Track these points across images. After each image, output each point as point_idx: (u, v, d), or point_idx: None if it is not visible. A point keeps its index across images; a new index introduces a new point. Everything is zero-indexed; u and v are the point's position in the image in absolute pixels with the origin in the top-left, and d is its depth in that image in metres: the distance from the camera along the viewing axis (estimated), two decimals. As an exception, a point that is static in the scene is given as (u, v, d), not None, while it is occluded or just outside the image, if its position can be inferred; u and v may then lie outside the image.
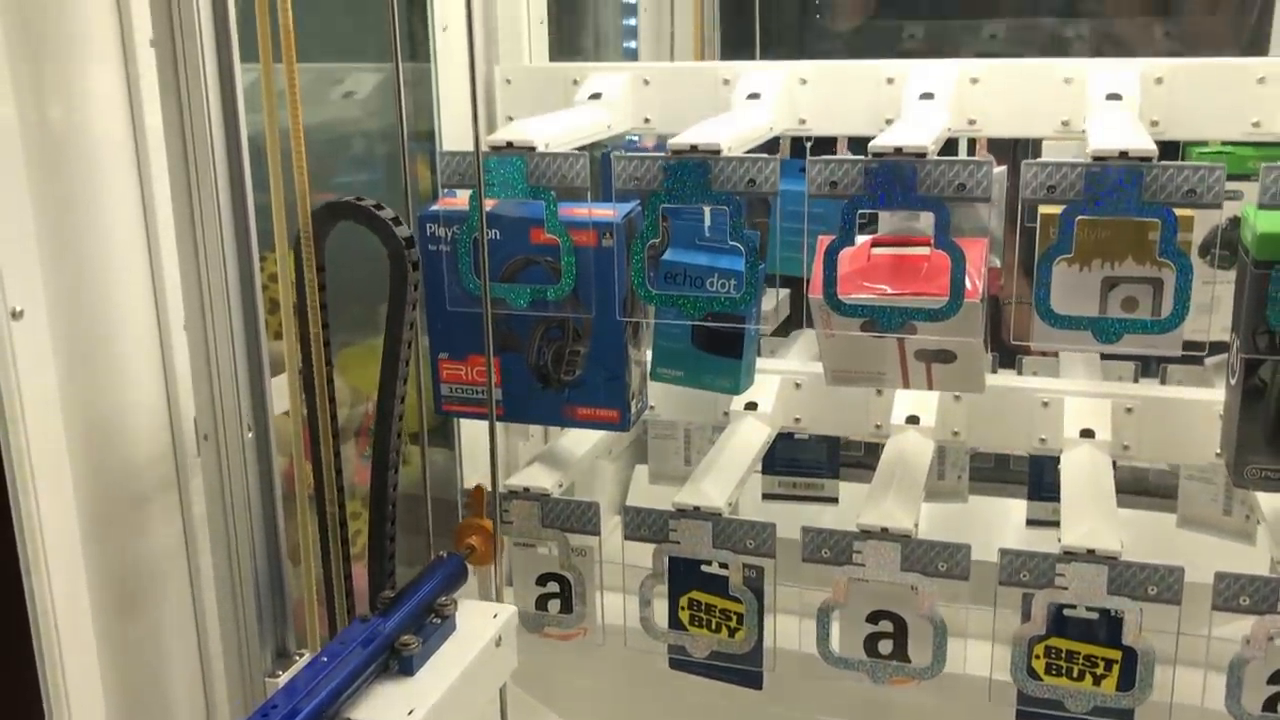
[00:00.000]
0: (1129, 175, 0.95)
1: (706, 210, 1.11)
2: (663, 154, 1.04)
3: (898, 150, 0.99)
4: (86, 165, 0.91)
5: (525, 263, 1.12)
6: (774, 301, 1.34)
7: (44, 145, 0.87)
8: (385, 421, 1.01)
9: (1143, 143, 0.95)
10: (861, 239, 1.07)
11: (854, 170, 1.00)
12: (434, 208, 1.14)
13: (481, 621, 0.99)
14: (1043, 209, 1.02)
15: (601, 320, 1.12)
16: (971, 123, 1.23)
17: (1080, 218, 0.97)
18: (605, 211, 1.10)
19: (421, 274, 1.01)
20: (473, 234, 1.10)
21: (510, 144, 1.08)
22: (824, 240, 1.04)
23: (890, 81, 1.24)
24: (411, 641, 0.91)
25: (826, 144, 1.45)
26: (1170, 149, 1.23)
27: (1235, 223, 1.17)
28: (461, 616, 0.99)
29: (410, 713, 0.87)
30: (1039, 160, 0.97)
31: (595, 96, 1.29)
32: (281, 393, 1.00)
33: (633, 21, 1.96)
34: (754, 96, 1.24)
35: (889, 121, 1.23)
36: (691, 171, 1.03)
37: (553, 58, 1.45)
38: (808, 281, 1.07)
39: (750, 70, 1.28)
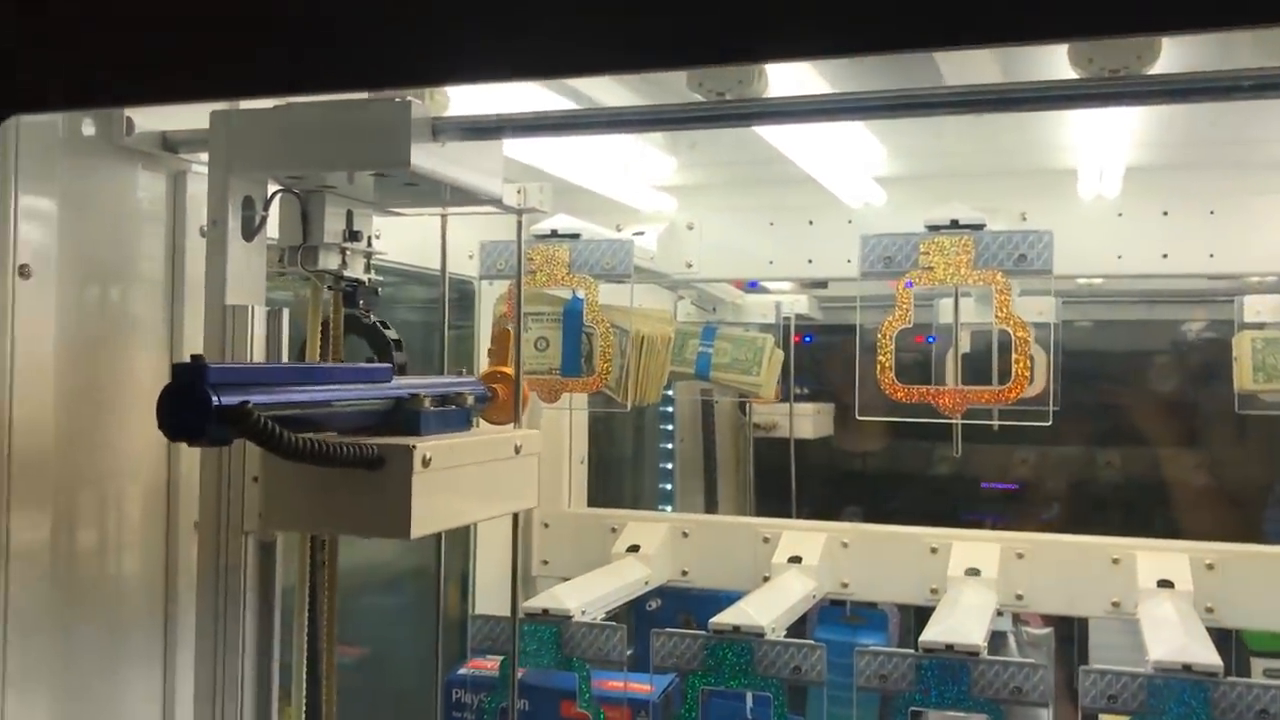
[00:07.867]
0: (1194, 690, 0.90)
1: (749, 694, 1.06)
2: (704, 633, 1.01)
3: (949, 647, 0.95)
4: None
5: (554, 735, 1.06)
6: None
7: None
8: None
9: (1207, 656, 0.91)
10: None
11: (904, 664, 0.96)
12: (461, 671, 1.10)
13: (501, 432, 0.85)
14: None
15: (633, 809, 1.05)
16: (1019, 598, 1.20)
17: (1147, 733, 0.92)
18: (641, 686, 1.06)
19: None
20: (500, 703, 1.05)
21: (546, 611, 1.06)
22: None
23: (934, 551, 1.22)
24: (425, 399, 0.76)
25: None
26: (1226, 635, 1.19)
27: None
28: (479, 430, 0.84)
29: (414, 446, 0.71)
30: (1098, 667, 0.93)
31: (634, 549, 1.28)
32: None
33: (669, 465, 1.99)
34: (795, 560, 1.22)
35: (934, 591, 1.21)
36: (734, 652, 0.99)
37: (590, 502, 1.45)
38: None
39: (790, 530, 1.28)
